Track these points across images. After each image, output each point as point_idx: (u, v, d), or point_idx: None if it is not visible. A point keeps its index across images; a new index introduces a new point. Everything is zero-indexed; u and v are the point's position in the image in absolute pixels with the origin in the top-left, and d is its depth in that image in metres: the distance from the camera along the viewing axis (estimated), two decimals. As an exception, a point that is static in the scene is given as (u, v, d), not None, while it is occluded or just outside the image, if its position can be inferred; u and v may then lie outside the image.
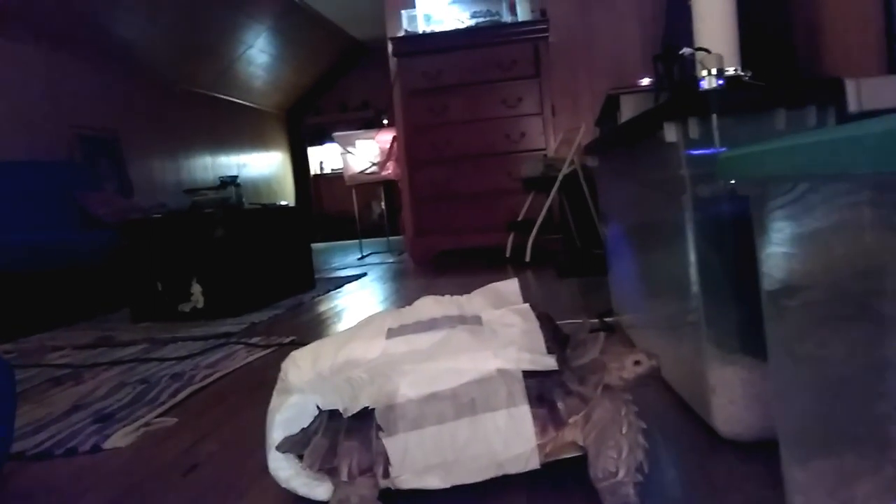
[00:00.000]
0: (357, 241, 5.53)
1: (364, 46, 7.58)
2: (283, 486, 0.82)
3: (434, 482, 0.76)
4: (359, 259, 4.82)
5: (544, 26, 3.70)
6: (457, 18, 3.91)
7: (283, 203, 6.91)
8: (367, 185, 5.30)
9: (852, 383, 0.56)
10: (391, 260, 4.55)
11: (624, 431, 0.72)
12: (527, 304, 0.87)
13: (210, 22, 5.51)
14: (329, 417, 0.81)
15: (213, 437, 1.14)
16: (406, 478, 0.76)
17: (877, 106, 0.75)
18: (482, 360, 0.76)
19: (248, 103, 7.08)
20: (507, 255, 3.54)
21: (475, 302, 0.90)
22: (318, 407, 0.82)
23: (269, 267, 2.87)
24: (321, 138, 8.12)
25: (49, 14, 4.04)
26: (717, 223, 0.87)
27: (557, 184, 3.25)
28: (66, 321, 2.79)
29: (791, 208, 0.60)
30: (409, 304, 0.92)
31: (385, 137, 4.87)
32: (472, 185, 3.77)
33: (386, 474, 0.76)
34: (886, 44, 1.58)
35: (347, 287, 3.20)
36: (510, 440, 0.74)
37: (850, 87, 0.77)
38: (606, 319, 1.68)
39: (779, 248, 0.63)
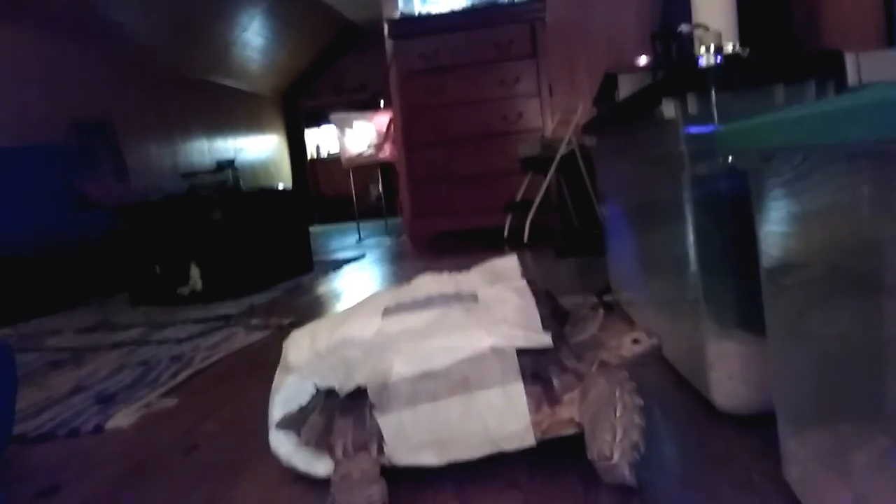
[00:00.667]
0: (355, 223, 5.52)
1: (360, 28, 7.52)
2: (284, 463, 0.83)
3: (430, 459, 0.76)
4: (357, 241, 4.82)
5: (541, 6, 3.67)
6: (453, -1, 3.89)
7: (281, 186, 6.90)
8: (364, 168, 5.29)
9: (849, 358, 0.57)
10: (389, 242, 4.55)
11: (618, 414, 0.71)
12: (524, 281, 0.86)
13: (205, 5, 5.46)
14: (326, 396, 0.81)
15: (214, 418, 1.15)
16: (401, 455, 0.76)
17: (876, 79, 0.75)
18: (476, 337, 0.76)
19: (244, 87, 7.04)
20: (506, 235, 3.53)
21: (472, 279, 0.90)
22: (315, 386, 0.82)
23: (268, 250, 2.87)
24: (318, 121, 8.08)
25: (43, -2, 4.00)
26: (715, 200, 0.87)
27: (555, 164, 3.25)
28: (65, 306, 2.79)
29: (789, 186, 0.60)
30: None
31: (382, 119, 4.86)
32: (469, 167, 3.77)
33: (380, 451, 0.76)
34: (885, 17, 1.57)
35: (346, 269, 3.20)
36: (504, 417, 0.74)
37: (849, 60, 0.76)
38: (605, 298, 1.68)
39: (777, 226, 0.64)
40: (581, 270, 2.32)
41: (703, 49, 1.13)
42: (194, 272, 2.57)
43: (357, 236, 5.14)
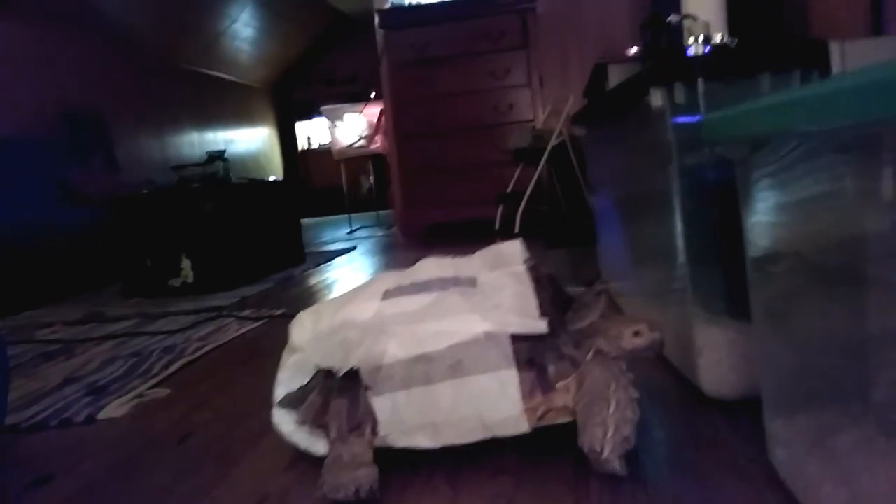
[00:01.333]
0: (346, 215, 5.52)
1: (351, 19, 7.49)
2: (287, 440, 0.84)
3: (423, 441, 0.77)
4: (348, 233, 4.82)
5: (532, -3, 3.66)
6: (443, -11, 3.87)
7: (272, 178, 6.87)
8: (355, 159, 5.28)
9: (832, 344, 0.58)
10: (381, 233, 4.55)
11: (611, 411, 0.70)
12: (523, 266, 0.86)
13: (193, -6, 5.42)
14: (325, 376, 0.82)
15: (207, 407, 1.15)
16: (395, 436, 0.77)
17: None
18: (470, 322, 0.76)
19: (234, 78, 7.00)
20: (497, 226, 3.54)
21: (474, 264, 0.90)
22: (316, 365, 0.84)
23: (259, 241, 2.87)
24: (308, 113, 8.05)
25: (29, -13, 3.97)
26: (703, 189, 0.88)
27: (546, 155, 3.25)
28: (55, 298, 2.79)
29: (775, 177, 0.61)
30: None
31: (373, 111, 4.85)
32: (460, 158, 3.77)
33: (374, 432, 0.77)
34: (871, 5, 1.58)
35: (337, 261, 3.21)
36: (497, 403, 0.74)
37: (834, 49, 0.77)
38: (595, 287, 1.69)
39: (763, 216, 0.64)
40: (571, 260, 2.33)
41: (691, 39, 1.14)
42: (185, 264, 2.56)
43: (348, 228, 5.14)
